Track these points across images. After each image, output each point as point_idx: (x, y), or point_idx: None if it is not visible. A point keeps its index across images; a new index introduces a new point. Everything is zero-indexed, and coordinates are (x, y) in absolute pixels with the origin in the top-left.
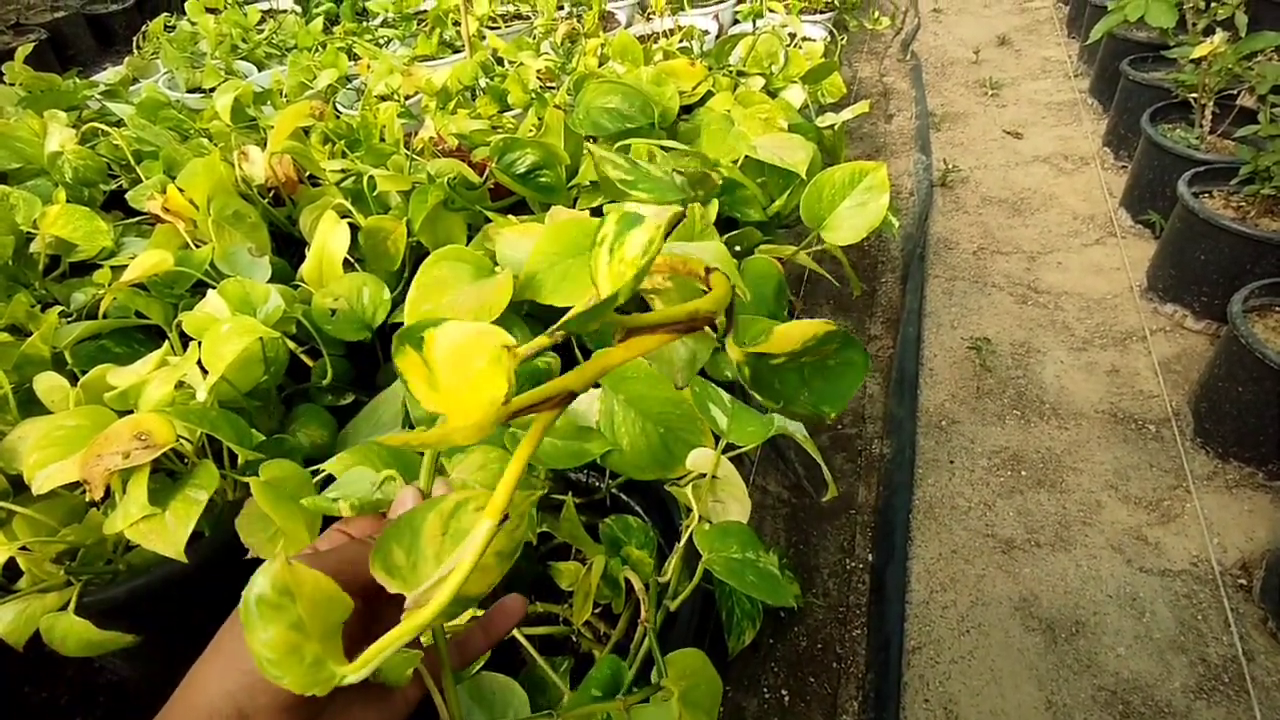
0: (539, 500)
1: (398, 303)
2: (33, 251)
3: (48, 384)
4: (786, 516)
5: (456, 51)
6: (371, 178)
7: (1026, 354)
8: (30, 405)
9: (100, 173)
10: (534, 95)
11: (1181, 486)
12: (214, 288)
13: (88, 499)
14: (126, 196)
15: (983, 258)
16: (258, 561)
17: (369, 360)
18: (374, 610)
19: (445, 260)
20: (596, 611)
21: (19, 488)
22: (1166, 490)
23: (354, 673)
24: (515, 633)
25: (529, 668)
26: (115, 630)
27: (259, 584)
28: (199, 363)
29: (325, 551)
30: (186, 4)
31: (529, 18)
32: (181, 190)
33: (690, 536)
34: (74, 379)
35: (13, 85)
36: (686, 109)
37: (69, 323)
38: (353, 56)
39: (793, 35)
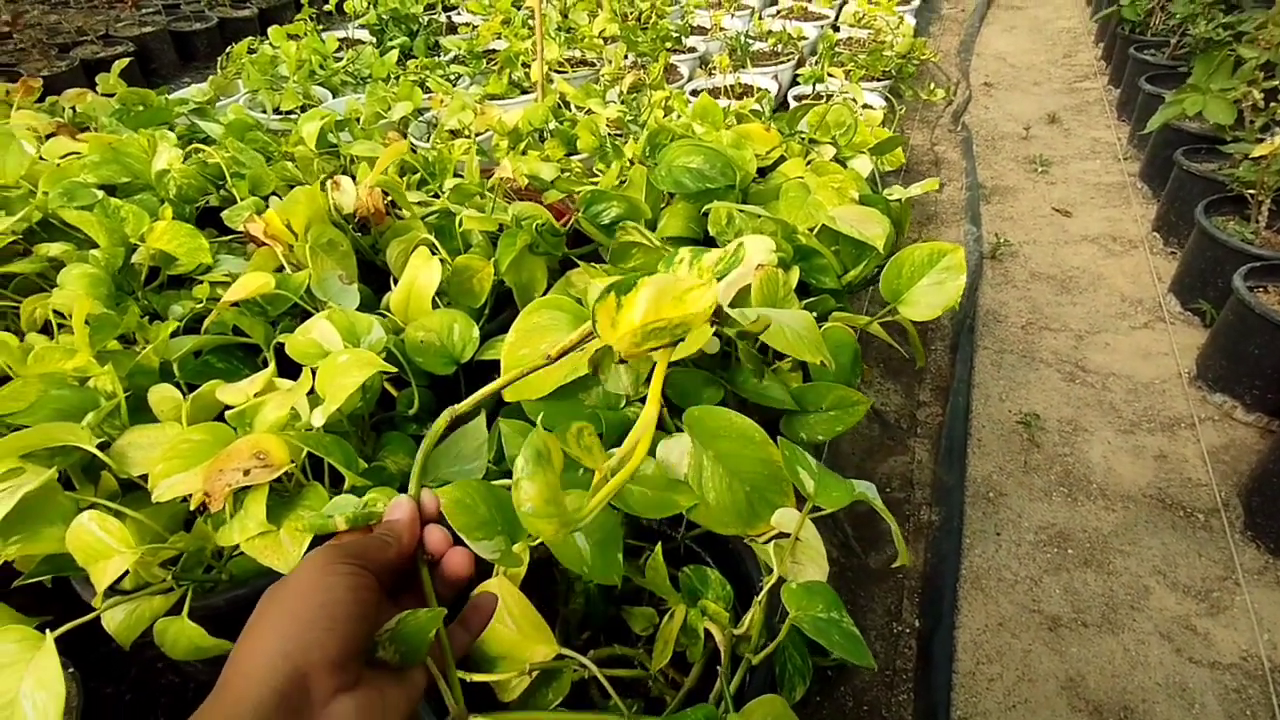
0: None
1: (482, 339)
2: (135, 262)
3: (160, 395)
4: (834, 576)
5: (524, 92)
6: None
7: (1074, 432)
8: (137, 412)
9: (200, 191)
10: (604, 141)
11: (1231, 578)
12: (310, 311)
13: (194, 506)
14: (222, 215)
15: (1031, 333)
16: None
17: (450, 392)
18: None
19: (545, 308)
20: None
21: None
22: (1215, 581)
23: (588, 514)
24: (594, 670)
25: (599, 708)
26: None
27: (531, 445)
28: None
29: (355, 539)
30: (269, 29)
31: (594, 64)
32: (277, 214)
33: (768, 592)
34: (179, 389)
35: (109, 96)
36: (759, 172)
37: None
38: (424, 89)
39: (853, 102)
